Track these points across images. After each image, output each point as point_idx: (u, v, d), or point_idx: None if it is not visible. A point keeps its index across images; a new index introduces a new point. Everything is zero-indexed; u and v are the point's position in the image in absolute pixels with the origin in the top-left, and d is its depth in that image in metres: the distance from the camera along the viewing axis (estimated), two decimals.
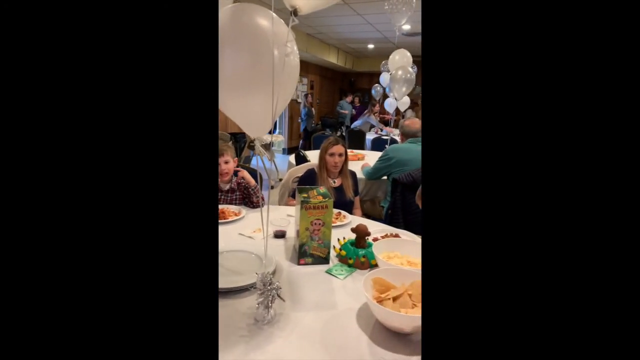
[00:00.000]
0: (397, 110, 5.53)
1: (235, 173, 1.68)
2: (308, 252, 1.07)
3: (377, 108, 5.90)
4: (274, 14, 0.71)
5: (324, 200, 1.05)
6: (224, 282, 0.90)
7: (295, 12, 0.65)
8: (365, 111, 6.07)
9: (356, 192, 1.88)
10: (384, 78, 5.13)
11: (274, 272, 0.99)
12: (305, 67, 7.63)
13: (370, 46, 6.92)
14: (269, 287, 0.76)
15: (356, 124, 6.02)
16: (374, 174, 2.31)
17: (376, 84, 5.43)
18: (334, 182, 1.81)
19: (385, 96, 5.15)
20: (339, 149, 1.75)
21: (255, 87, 0.74)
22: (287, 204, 1.91)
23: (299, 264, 1.07)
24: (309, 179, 1.81)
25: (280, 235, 1.29)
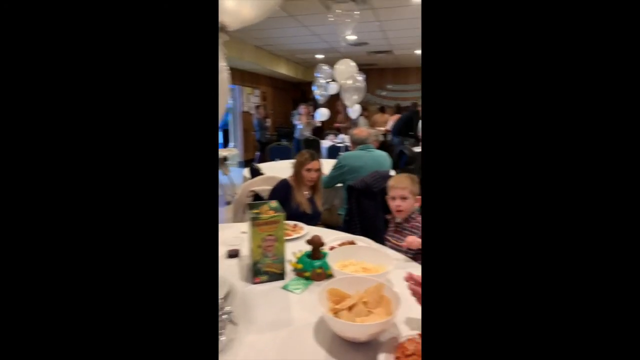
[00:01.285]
0: (347, 117, 5.68)
1: None
2: (262, 270, 1.04)
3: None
4: None
5: (275, 215, 1.03)
6: None
7: (222, 28, 0.63)
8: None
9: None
10: (317, 86, 5.29)
11: (226, 296, 0.94)
12: (257, 78, 7.57)
13: (319, 56, 7.06)
14: (219, 314, 0.72)
15: (295, 135, 6.23)
16: (329, 182, 2.33)
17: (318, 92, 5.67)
18: (308, 195, 1.87)
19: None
20: (315, 164, 1.82)
21: None
22: None
23: (254, 282, 1.03)
24: (282, 190, 1.82)
25: (233, 254, 1.24)
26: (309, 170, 1.80)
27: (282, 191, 1.82)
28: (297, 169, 1.83)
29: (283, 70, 7.52)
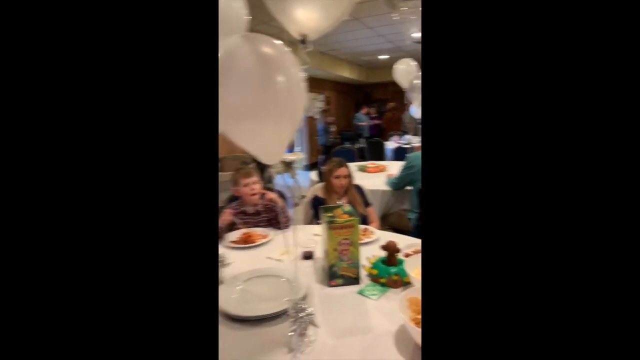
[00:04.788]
0: (411, 117, 5.42)
1: (262, 196, 1.70)
2: (338, 274, 1.05)
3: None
4: (278, 41, 0.73)
5: (350, 219, 1.04)
6: (254, 310, 0.89)
7: (304, 40, 0.66)
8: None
9: (366, 204, 1.87)
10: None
11: (304, 297, 0.97)
12: (321, 84, 7.73)
13: (382, 57, 6.94)
14: (301, 315, 0.74)
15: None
16: (398, 184, 2.27)
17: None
18: (344, 202, 1.83)
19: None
20: (343, 171, 1.81)
21: (264, 115, 0.73)
22: None
23: (329, 285, 1.05)
24: (317, 204, 1.82)
25: (308, 256, 1.27)
26: (337, 177, 1.79)
27: (315, 205, 1.80)
28: (326, 177, 1.81)
29: (346, 73, 7.56)
